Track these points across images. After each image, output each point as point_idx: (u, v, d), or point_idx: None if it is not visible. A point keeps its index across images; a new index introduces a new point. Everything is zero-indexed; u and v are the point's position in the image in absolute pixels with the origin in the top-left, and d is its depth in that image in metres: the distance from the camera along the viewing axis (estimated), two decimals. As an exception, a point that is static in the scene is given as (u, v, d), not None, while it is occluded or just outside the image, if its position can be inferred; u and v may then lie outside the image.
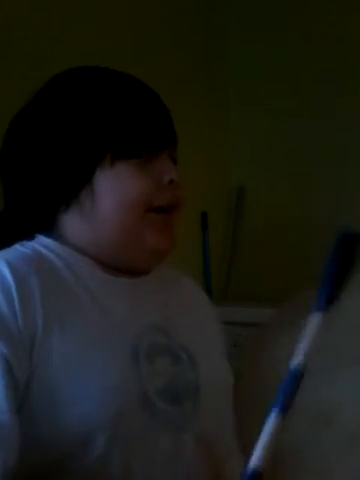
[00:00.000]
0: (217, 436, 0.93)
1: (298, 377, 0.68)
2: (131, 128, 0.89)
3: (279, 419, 0.67)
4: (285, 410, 0.68)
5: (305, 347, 0.69)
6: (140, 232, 0.90)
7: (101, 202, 0.89)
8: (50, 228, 0.92)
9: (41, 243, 0.91)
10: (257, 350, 1.09)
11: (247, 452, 0.73)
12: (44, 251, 0.89)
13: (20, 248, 0.89)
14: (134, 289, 0.92)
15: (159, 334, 0.91)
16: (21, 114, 0.94)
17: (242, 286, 2.30)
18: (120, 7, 1.99)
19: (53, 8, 1.79)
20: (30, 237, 0.92)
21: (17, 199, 0.93)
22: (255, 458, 0.67)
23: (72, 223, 0.90)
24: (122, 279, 0.91)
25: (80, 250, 0.90)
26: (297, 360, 0.69)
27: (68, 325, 0.83)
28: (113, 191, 0.89)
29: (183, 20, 2.22)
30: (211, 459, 0.90)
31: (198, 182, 2.01)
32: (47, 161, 0.90)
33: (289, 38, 2.31)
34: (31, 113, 0.93)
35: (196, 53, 2.27)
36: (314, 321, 0.69)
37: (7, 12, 1.64)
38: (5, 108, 0.96)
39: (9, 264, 0.84)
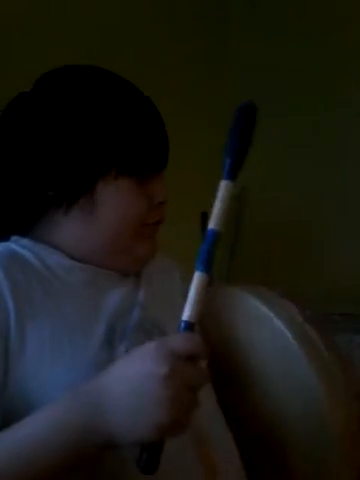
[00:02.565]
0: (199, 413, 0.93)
1: (216, 238, 0.79)
2: (140, 147, 0.91)
3: (205, 277, 0.77)
4: (209, 268, 0.77)
5: (218, 212, 0.82)
6: (132, 244, 0.93)
7: (101, 213, 0.91)
8: (26, 228, 0.94)
9: (16, 242, 0.93)
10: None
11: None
12: (17, 247, 0.91)
13: None
14: (107, 276, 0.94)
15: (132, 313, 0.92)
16: (23, 108, 0.93)
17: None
18: (119, 4, 1.99)
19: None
20: (6, 238, 0.94)
21: (11, 196, 0.93)
22: (188, 311, 0.76)
23: (67, 226, 0.92)
24: (96, 268, 0.93)
25: (64, 251, 0.92)
26: (213, 223, 0.81)
27: (41, 314, 0.85)
28: (114, 205, 0.91)
29: (182, 22, 2.22)
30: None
31: (198, 182, 2.01)
32: (52, 164, 0.90)
33: (289, 38, 2.31)
34: (36, 109, 0.92)
35: (196, 52, 2.28)
36: (222, 187, 0.81)
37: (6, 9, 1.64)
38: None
39: None
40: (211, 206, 0.84)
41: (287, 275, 2.22)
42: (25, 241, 0.93)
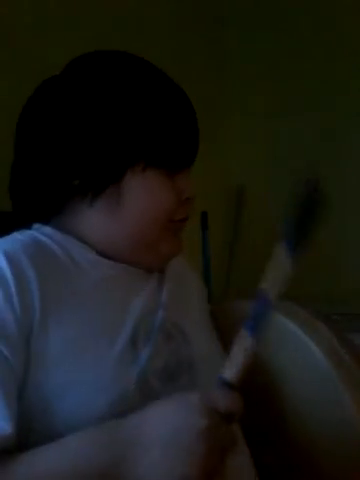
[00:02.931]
0: None
1: (269, 303, 0.75)
2: (171, 139, 0.88)
3: (254, 342, 0.73)
4: (259, 335, 0.73)
5: (273, 277, 0.78)
6: (157, 240, 0.90)
7: (127, 205, 0.87)
8: (50, 217, 0.91)
9: (39, 231, 0.89)
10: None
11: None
12: (42, 238, 0.87)
13: (18, 236, 0.87)
14: (133, 274, 0.91)
15: (156, 313, 0.89)
16: (52, 92, 0.90)
17: (242, 286, 2.30)
18: (119, 4, 1.99)
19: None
20: (29, 226, 0.90)
21: (35, 182, 0.90)
22: (231, 372, 0.72)
23: (91, 216, 0.88)
24: (122, 265, 0.90)
25: (87, 242, 0.89)
26: (266, 287, 0.77)
27: (66, 313, 0.82)
28: (141, 198, 0.88)
29: (182, 21, 2.22)
30: None
31: (198, 182, 2.00)
32: (79, 152, 0.86)
33: (289, 38, 2.30)
34: (66, 94, 0.88)
35: (196, 51, 2.27)
36: (280, 256, 0.78)
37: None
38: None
39: (6, 254, 0.82)
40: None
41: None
42: (48, 229, 0.89)
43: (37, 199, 0.90)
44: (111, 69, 0.89)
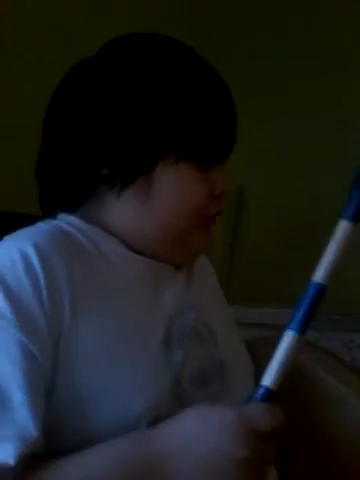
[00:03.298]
0: None
1: (319, 294, 0.67)
2: (208, 132, 0.84)
3: (296, 338, 0.67)
4: (304, 330, 0.68)
5: (330, 260, 0.70)
6: (187, 235, 0.86)
7: (158, 198, 0.84)
8: (77, 206, 0.87)
9: (65, 221, 0.85)
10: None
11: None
12: (69, 228, 0.84)
13: (44, 226, 0.84)
14: (162, 270, 0.88)
15: (188, 313, 0.86)
16: (85, 75, 0.86)
17: (242, 286, 2.30)
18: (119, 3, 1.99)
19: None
20: (53, 215, 0.87)
21: (62, 169, 0.86)
22: (271, 376, 0.67)
23: (120, 207, 0.85)
24: (151, 260, 0.87)
25: (109, 231, 0.85)
26: (319, 274, 0.68)
27: (96, 310, 0.78)
28: (173, 191, 0.84)
29: (182, 22, 2.22)
30: None
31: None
32: (110, 140, 0.82)
33: (289, 38, 2.30)
34: (99, 78, 0.84)
35: (195, 49, 2.27)
36: (341, 231, 0.72)
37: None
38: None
39: (36, 247, 0.78)
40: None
41: (287, 275, 2.22)
42: (74, 220, 0.86)
43: (64, 186, 0.87)
44: (148, 53, 0.85)
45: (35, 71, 1.84)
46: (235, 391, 0.87)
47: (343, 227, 0.71)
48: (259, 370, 0.87)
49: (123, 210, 0.85)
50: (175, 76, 0.83)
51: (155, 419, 0.75)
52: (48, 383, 0.75)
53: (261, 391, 0.69)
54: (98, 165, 0.84)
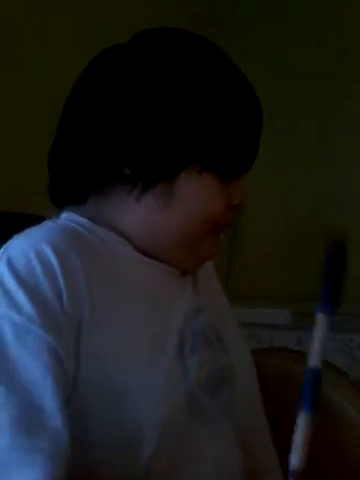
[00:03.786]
0: (252, 423, 0.87)
1: (317, 376, 0.71)
2: (235, 145, 0.83)
3: (309, 417, 0.69)
4: (312, 408, 0.70)
5: (317, 348, 0.72)
6: (199, 243, 0.85)
7: (178, 206, 0.82)
8: (84, 199, 0.85)
9: (73, 220, 0.83)
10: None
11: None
12: (79, 228, 0.82)
13: (54, 224, 0.82)
14: (171, 274, 0.86)
15: (199, 318, 0.85)
16: (115, 64, 0.82)
17: (242, 286, 2.30)
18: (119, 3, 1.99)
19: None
20: (60, 207, 0.85)
21: (81, 162, 0.83)
22: (294, 459, 0.68)
23: (135, 210, 0.82)
24: (161, 263, 0.85)
25: (120, 233, 0.83)
26: (313, 361, 0.71)
27: (112, 315, 0.77)
28: (193, 200, 0.82)
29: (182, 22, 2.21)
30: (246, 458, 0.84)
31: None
32: (135, 136, 0.80)
33: (289, 37, 2.30)
34: (130, 68, 0.81)
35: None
36: (320, 323, 0.75)
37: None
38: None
39: (52, 244, 0.75)
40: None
41: (287, 275, 2.22)
42: (81, 220, 0.83)
43: (78, 176, 0.83)
44: (182, 51, 0.82)
45: (34, 69, 1.84)
46: (244, 397, 0.86)
47: (322, 320, 0.76)
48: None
49: (139, 212, 0.83)
50: (209, 83, 0.81)
51: (170, 426, 0.75)
52: (70, 385, 0.74)
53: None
54: (120, 162, 0.81)
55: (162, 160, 0.80)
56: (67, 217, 0.85)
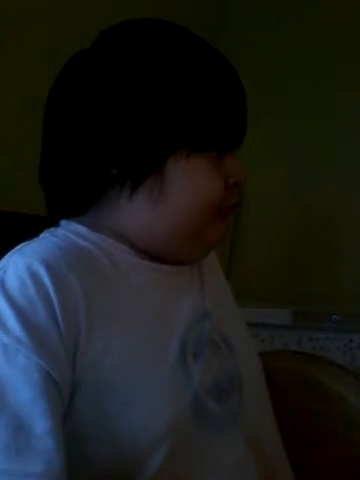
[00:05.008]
0: (262, 430, 0.86)
1: None
2: (217, 118, 0.78)
3: None
4: None
5: None
6: (204, 229, 0.82)
7: (169, 196, 0.78)
8: (83, 212, 0.83)
9: (72, 230, 0.81)
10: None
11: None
12: (79, 240, 0.79)
13: (52, 238, 0.79)
14: (175, 276, 0.84)
15: (205, 323, 0.83)
16: (82, 69, 0.80)
17: (242, 286, 2.30)
18: (119, 3, 1.99)
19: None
20: (56, 223, 0.83)
21: (69, 172, 0.81)
22: None
23: (130, 209, 0.80)
24: (164, 266, 0.83)
25: (120, 237, 0.81)
26: None
27: (112, 326, 0.75)
28: (187, 187, 0.79)
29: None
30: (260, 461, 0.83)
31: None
32: (118, 137, 0.77)
33: (289, 37, 2.30)
34: (98, 70, 0.79)
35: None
36: None
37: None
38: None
39: (46, 264, 0.73)
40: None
41: (287, 275, 2.22)
42: (82, 229, 0.80)
43: (71, 190, 0.81)
44: (147, 42, 0.79)
45: (30, 66, 1.84)
46: (253, 404, 0.85)
47: None
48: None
49: (135, 212, 0.80)
50: (177, 63, 0.78)
51: (177, 435, 0.74)
52: (65, 406, 0.72)
53: None
54: (106, 165, 0.79)
55: (145, 152, 0.77)
56: (65, 226, 0.83)
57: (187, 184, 0.79)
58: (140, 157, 0.77)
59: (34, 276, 0.72)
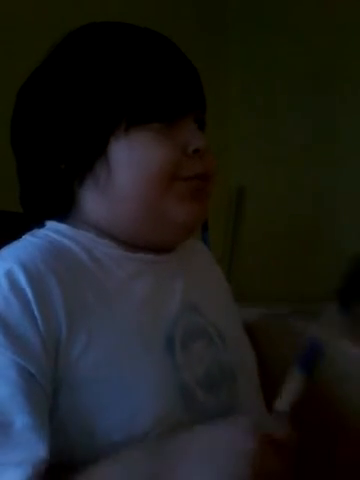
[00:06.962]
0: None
1: (320, 346, 0.72)
2: (149, 88, 0.78)
3: (305, 380, 0.71)
4: (309, 373, 0.71)
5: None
6: (164, 205, 0.80)
7: (117, 176, 0.78)
8: (65, 212, 0.84)
9: (53, 229, 0.82)
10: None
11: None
12: (58, 238, 0.81)
13: (32, 239, 0.81)
14: (160, 267, 0.84)
15: (193, 314, 0.84)
16: (32, 78, 0.85)
17: (242, 286, 2.30)
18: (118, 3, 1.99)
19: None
20: (41, 224, 0.84)
21: (31, 177, 0.84)
22: (281, 404, 0.70)
23: (89, 199, 0.81)
24: (148, 256, 0.83)
25: (100, 230, 0.82)
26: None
27: (94, 323, 0.76)
28: (130, 163, 0.78)
29: (181, 21, 2.22)
30: None
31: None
32: (57, 131, 0.80)
33: (289, 37, 2.30)
34: (41, 77, 0.83)
35: (196, 52, 2.27)
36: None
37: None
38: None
39: (22, 265, 0.74)
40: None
41: (287, 275, 2.22)
42: (63, 227, 0.82)
43: (40, 191, 0.83)
44: (77, 37, 0.83)
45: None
46: (244, 395, 0.85)
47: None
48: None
49: (94, 202, 0.81)
50: (105, 45, 0.80)
51: (167, 428, 0.74)
52: (50, 402, 0.73)
53: (274, 415, 0.71)
54: (55, 162, 0.81)
55: (84, 139, 0.79)
56: (49, 226, 0.84)
57: (130, 160, 0.78)
58: (80, 145, 0.79)
59: (11, 278, 0.74)
